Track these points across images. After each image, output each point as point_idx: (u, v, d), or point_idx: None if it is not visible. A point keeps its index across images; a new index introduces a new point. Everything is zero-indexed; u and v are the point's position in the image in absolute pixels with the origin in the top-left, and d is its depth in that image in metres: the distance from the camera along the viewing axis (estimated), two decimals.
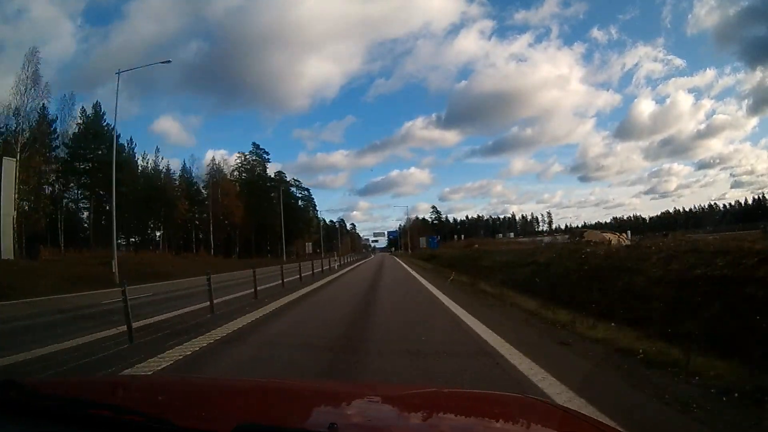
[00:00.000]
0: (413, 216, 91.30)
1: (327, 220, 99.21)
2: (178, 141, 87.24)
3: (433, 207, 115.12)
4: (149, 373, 4.15)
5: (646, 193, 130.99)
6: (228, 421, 0.89)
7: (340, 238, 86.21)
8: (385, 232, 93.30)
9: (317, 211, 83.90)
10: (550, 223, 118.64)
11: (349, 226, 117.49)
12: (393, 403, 1.37)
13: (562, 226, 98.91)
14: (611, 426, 1.33)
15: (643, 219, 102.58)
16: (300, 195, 74.19)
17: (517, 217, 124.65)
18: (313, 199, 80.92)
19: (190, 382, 1.98)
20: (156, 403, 1.26)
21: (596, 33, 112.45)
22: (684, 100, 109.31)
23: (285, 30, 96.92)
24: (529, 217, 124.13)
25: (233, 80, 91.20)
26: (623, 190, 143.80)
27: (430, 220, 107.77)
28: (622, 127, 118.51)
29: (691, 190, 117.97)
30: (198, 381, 2.09)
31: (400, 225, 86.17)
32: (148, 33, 74.60)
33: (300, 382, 2.15)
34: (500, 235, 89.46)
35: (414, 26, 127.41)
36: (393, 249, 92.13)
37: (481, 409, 1.32)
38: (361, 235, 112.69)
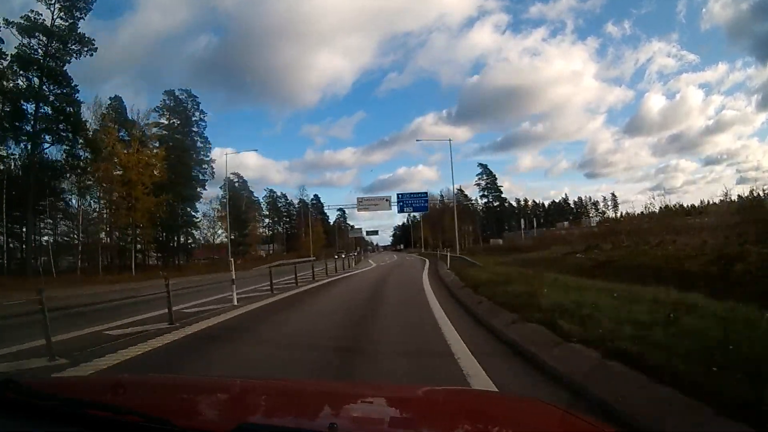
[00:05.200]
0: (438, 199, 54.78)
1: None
2: None
3: (482, 166, 73.42)
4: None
5: (652, 189, 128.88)
6: (229, 422, 0.89)
7: (273, 241, 52.05)
8: (392, 196, 38.04)
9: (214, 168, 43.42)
10: (615, 207, 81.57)
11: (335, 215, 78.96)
12: (393, 404, 1.37)
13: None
14: (611, 426, 1.32)
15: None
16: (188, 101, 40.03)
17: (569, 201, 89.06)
18: (205, 136, 42.79)
19: (190, 382, 1.98)
20: (156, 403, 1.25)
21: (611, 28, 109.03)
22: (694, 96, 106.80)
23: (296, 22, 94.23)
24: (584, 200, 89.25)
25: (242, 76, 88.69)
26: (629, 187, 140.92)
27: (477, 195, 72.99)
28: (631, 123, 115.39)
29: (697, 186, 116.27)
30: (198, 381, 2.09)
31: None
32: (157, 26, 73.69)
33: (300, 383, 2.15)
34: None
35: (428, 19, 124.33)
36: (406, 246, 67.37)
37: (482, 408, 1.31)
38: (356, 226, 72.33)
